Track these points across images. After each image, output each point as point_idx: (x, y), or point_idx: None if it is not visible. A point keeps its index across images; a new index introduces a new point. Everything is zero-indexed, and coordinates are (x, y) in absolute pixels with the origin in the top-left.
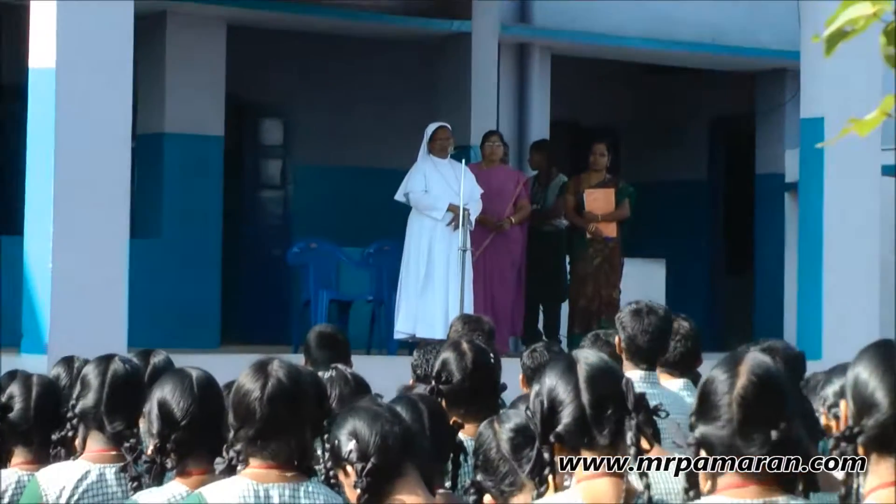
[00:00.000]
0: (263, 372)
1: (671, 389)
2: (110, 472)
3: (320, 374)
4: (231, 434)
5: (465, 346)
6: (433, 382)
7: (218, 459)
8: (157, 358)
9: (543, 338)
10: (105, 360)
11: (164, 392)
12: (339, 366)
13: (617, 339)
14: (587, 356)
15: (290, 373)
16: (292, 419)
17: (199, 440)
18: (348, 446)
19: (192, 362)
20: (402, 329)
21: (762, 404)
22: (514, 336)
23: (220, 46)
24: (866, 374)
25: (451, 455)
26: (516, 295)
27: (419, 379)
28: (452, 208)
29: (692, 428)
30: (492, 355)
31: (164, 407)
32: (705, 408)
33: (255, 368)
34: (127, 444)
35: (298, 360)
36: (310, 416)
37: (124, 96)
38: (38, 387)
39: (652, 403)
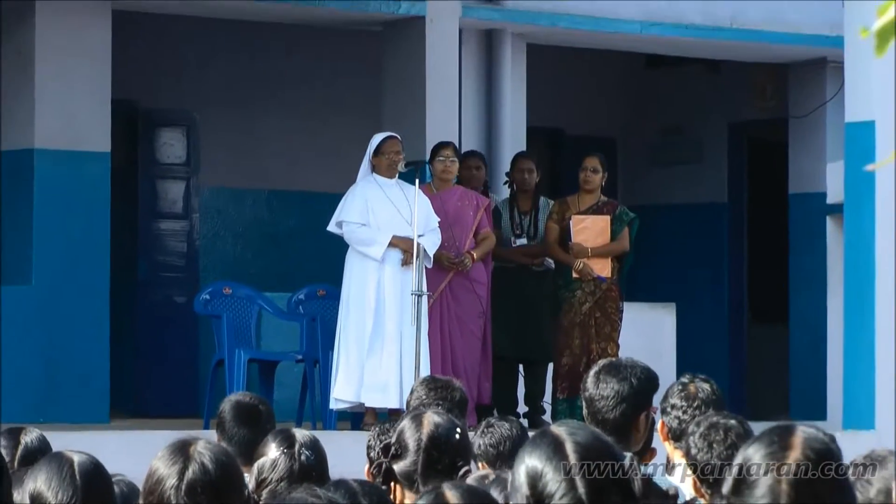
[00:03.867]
0: (183, 454)
1: (671, 480)
2: None
3: (273, 453)
4: None
5: (425, 415)
6: (382, 457)
7: None
8: (29, 437)
9: (522, 407)
10: None
11: (38, 482)
12: (296, 432)
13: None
14: (574, 432)
15: (216, 457)
16: None
17: None
18: None
19: (75, 443)
20: (341, 396)
21: (820, 488)
22: (482, 405)
23: (104, 38)
24: None
25: None
26: (483, 352)
27: (373, 462)
28: (397, 242)
29: None
30: (458, 430)
31: (37, 501)
32: (742, 487)
33: (174, 450)
34: None
35: (210, 436)
36: None
37: None
38: None
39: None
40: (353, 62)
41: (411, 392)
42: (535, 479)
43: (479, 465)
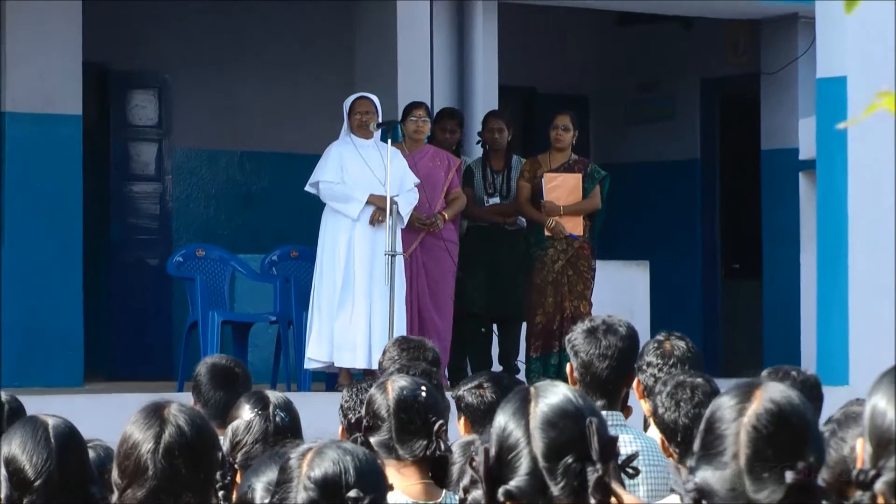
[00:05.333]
0: (159, 418)
1: (649, 435)
2: None
3: (247, 414)
4: (116, 496)
5: (388, 381)
6: (357, 433)
7: None
8: (2, 401)
9: (496, 366)
10: None
11: (12, 446)
12: (269, 393)
13: (569, 367)
14: (547, 391)
15: (192, 419)
16: (193, 477)
17: None
18: (264, 499)
19: (49, 406)
20: (313, 356)
21: (779, 437)
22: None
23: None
24: (884, 404)
25: None
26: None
27: (351, 425)
28: (374, 200)
29: (692, 469)
30: (423, 388)
31: (12, 465)
32: (709, 439)
33: (148, 414)
34: None
35: (186, 399)
36: (214, 473)
37: None
38: None
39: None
40: (326, 22)
41: (384, 353)
42: (500, 435)
43: (462, 417)
